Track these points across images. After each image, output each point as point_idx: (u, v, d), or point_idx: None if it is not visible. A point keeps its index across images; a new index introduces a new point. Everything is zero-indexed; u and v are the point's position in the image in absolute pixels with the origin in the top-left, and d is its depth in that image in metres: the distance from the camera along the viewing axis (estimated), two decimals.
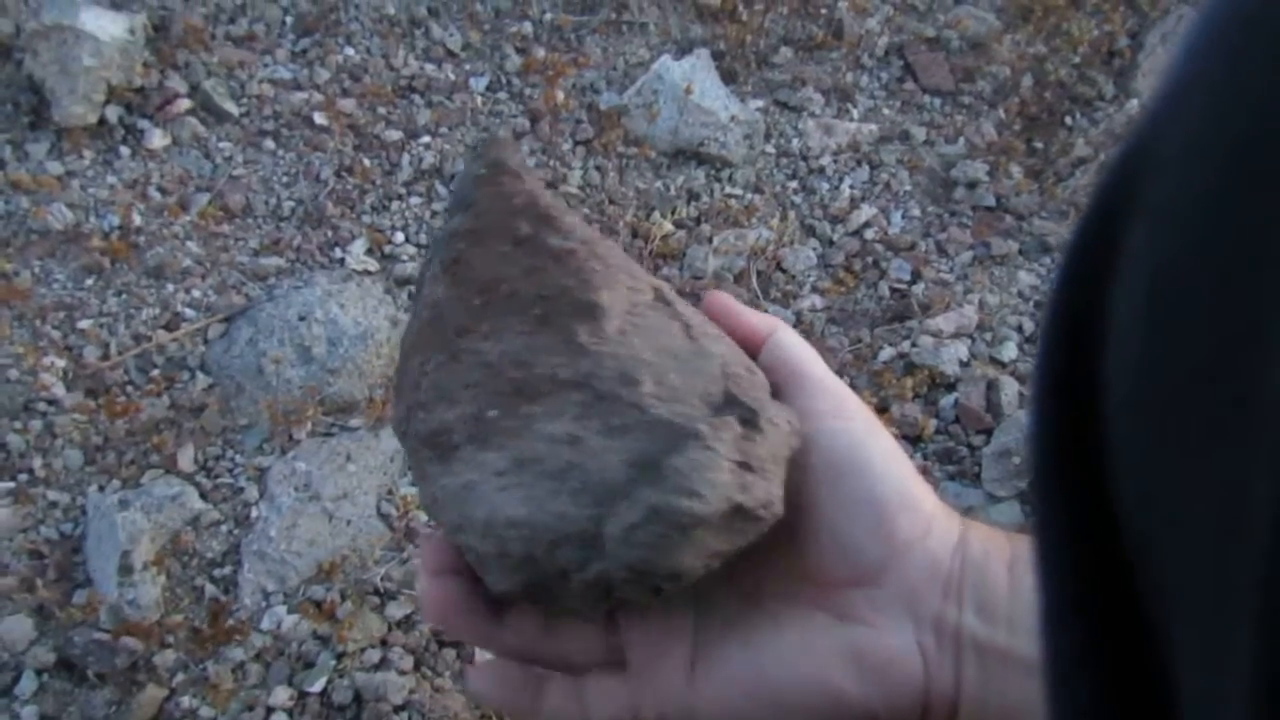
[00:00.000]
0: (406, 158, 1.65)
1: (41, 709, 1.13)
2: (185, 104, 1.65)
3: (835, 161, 1.68)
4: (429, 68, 1.78)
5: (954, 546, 0.41)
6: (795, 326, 1.45)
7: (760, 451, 0.38)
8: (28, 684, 1.14)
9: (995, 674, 0.40)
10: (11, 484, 1.28)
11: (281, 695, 1.13)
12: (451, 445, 0.38)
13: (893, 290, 1.48)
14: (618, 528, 0.35)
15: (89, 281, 1.47)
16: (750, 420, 0.39)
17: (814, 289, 1.51)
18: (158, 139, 1.63)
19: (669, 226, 1.58)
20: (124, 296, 1.46)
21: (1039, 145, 1.66)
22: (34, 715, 1.12)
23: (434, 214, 1.60)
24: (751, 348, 0.45)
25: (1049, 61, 1.76)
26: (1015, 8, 1.80)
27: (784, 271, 1.54)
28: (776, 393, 0.44)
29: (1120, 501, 0.20)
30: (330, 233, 1.56)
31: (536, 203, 0.42)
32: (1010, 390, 1.28)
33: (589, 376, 0.37)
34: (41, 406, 1.33)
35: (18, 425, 1.32)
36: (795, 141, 1.71)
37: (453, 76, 1.77)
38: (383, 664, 1.15)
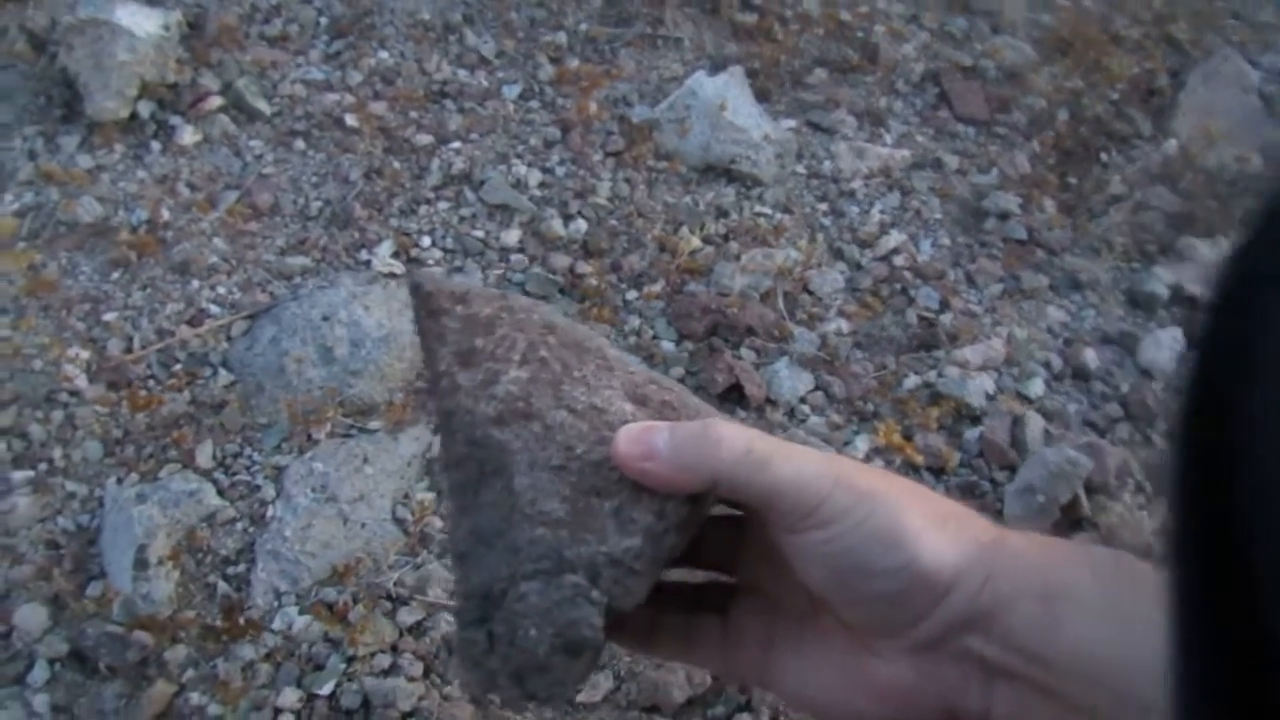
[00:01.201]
0: (436, 162, 1.66)
1: (53, 698, 1.12)
2: (217, 101, 1.66)
3: (866, 185, 1.67)
4: (461, 74, 1.78)
5: (978, 589, 0.41)
6: (821, 350, 1.44)
7: (503, 666, 0.43)
8: (40, 673, 1.14)
9: (1028, 705, 0.41)
10: (31, 473, 1.28)
11: (290, 697, 1.12)
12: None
13: (920, 318, 1.47)
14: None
15: (115, 275, 1.48)
16: (497, 638, 0.43)
17: (840, 312, 1.50)
18: (188, 136, 1.63)
19: (697, 242, 1.58)
20: (149, 291, 1.47)
21: (1073, 180, 1.65)
22: (45, 704, 1.12)
23: (461, 219, 1.60)
24: (697, 492, 0.45)
25: (1086, 96, 1.75)
26: (1054, 40, 1.79)
27: (810, 293, 1.53)
28: (756, 512, 0.45)
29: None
30: (357, 234, 1.56)
31: (428, 364, 0.47)
32: (1035, 426, 1.27)
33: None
34: (64, 397, 1.34)
35: (39, 415, 1.32)
36: (827, 163, 1.70)
37: (485, 83, 1.77)
38: (392, 670, 1.15)
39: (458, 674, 0.46)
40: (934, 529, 0.42)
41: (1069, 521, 1.17)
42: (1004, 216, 1.60)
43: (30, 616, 1.17)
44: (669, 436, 0.43)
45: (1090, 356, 1.38)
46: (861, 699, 0.44)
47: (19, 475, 1.28)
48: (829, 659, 0.45)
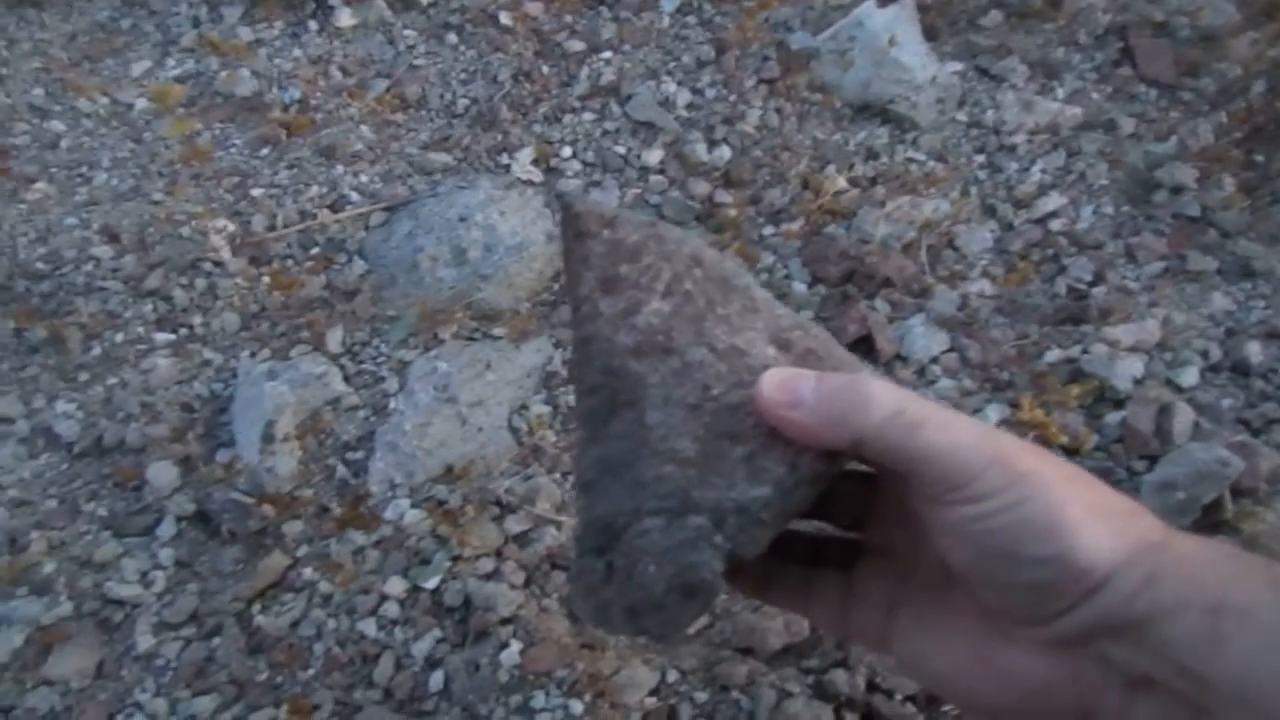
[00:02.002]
0: (585, 71, 1.62)
1: (177, 554, 1.18)
2: None
3: (1029, 141, 1.58)
4: None
5: (1136, 590, 0.38)
6: (960, 311, 1.38)
7: (618, 601, 0.44)
8: (168, 528, 1.19)
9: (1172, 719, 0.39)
10: (172, 336, 1.32)
11: (396, 586, 1.15)
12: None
13: (1070, 289, 1.40)
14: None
15: (264, 151, 1.50)
16: (614, 570, 0.43)
17: (985, 274, 1.44)
18: (346, 18, 1.63)
19: (842, 183, 1.52)
20: (295, 171, 1.49)
21: (1260, 159, 1.53)
22: (170, 558, 1.18)
23: (604, 133, 1.58)
24: (836, 450, 0.42)
25: None
26: (1262, 3, 1.64)
27: (956, 250, 1.47)
28: (903, 477, 0.42)
29: None
30: (500, 137, 1.55)
31: (570, 287, 0.46)
32: (1184, 418, 1.20)
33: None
34: (207, 267, 1.37)
35: (184, 281, 1.36)
36: (990, 113, 1.61)
37: None
38: (495, 574, 1.17)
39: (571, 599, 0.49)
40: (1095, 521, 0.39)
41: (1209, 524, 1.10)
42: (1177, 190, 1.49)
43: (162, 474, 1.22)
44: (815, 386, 0.41)
45: (1254, 350, 1.29)
46: (988, 682, 0.42)
47: (161, 337, 1.32)
48: (959, 636, 0.44)
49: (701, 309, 0.44)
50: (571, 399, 1.33)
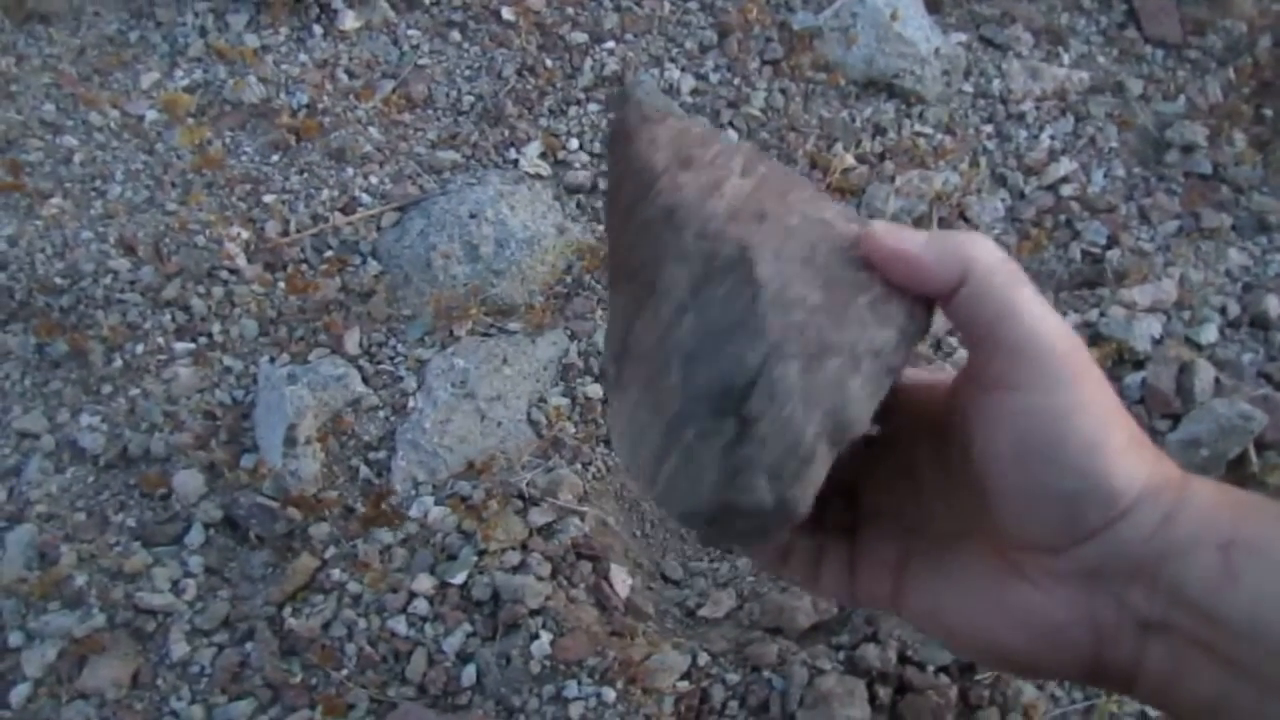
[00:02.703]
0: (589, 62, 1.62)
1: (206, 560, 1.19)
2: None
3: (1037, 109, 1.57)
4: None
5: (1154, 528, 0.38)
6: None
7: (759, 457, 0.39)
8: (196, 535, 1.21)
9: (1187, 663, 0.38)
10: (192, 345, 1.34)
11: (425, 583, 1.16)
12: (607, 386, 0.46)
13: (1085, 254, 1.39)
14: (653, 496, 0.42)
15: (275, 157, 1.51)
16: (754, 422, 0.38)
17: (999, 242, 1.43)
18: (350, 20, 1.64)
19: (850, 160, 1.52)
20: (306, 175, 1.50)
21: (1269, 113, 1.51)
22: (199, 565, 1.19)
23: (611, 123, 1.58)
24: (937, 295, 0.40)
25: None
26: None
27: (967, 221, 1.46)
28: (971, 349, 0.41)
29: None
30: (507, 132, 1.55)
31: (636, 168, 0.43)
32: (1205, 376, 1.19)
33: (649, 356, 0.41)
34: (224, 274, 1.38)
35: (201, 290, 1.37)
36: (996, 83, 1.60)
37: None
38: (521, 567, 1.17)
39: (673, 493, 0.41)
40: (1131, 450, 0.39)
41: (1235, 480, 1.10)
42: (1188, 149, 1.48)
43: (188, 481, 1.23)
44: (919, 233, 0.40)
45: (1272, 304, 1.28)
46: (1005, 628, 0.42)
47: (181, 346, 1.34)
48: (973, 583, 0.43)
49: (780, 188, 0.43)
50: (588, 390, 1.33)
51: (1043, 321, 0.39)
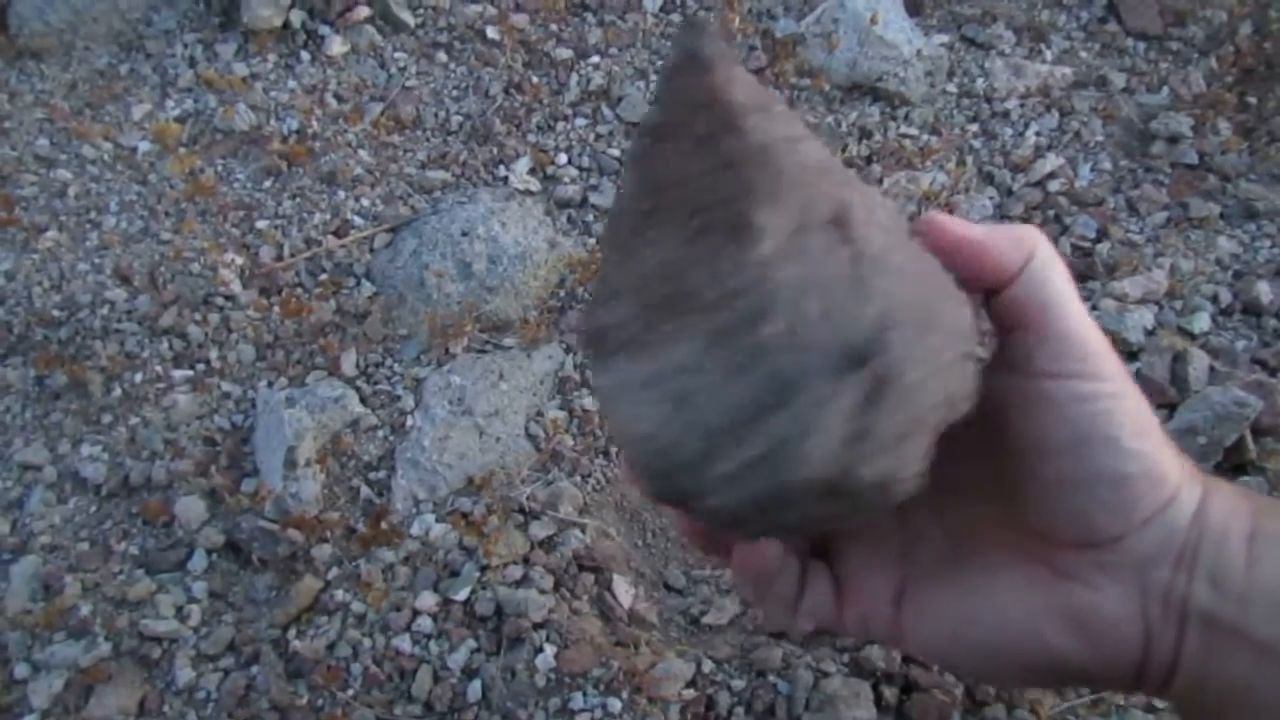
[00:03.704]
0: (575, 77, 1.64)
1: (210, 585, 1.20)
2: (365, 12, 1.67)
3: (1022, 106, 1.58)
4: None
5: (1193, 515, 0.39)
6: None
7: (884, 422, 0.35)
8: (199, 561, 1.21)
9: (1219, 649, 0.38)
10: (190, 372, 1.34)
11: (428, 600, 1.17)
12: (606, 349, 0.38)
13: (1075, 248, 1.39)
14: (720, 471, 0.35)
15: (267, 183, 1.52)
16: (881, 383, 0.34)
17: None
18: (337, 46, 1.65)
19: None
20: (298, 200, 1.51)
21: (1253, 101, 1.52)
22: (204, 590, 1.19)
23: (598, 137, 1.59)
24: (997, 282, 0.40)
25: (1273, 8, 1.60)
26: None
27: None
28: (1018, 338, 0.40)
29: None
30: (496, 150, 1.56)
31: (719, 99, 0.37)
32: (1199, 364, 1.19)
33: (724, 304, 0.35)
34: (220, 301, 1.39)
35: (197, 317, 1.38)
36: (980, 81, 1.61)
37: None
38: (524, 581, 1.18)
39: (761, 462, 0.34)
40: (1169, 446, 0.40)
41: (1232, 466, 1.10)
42: (1174, 139, 1.49)
43: (190, 508, 1.24)
44: (980, 225, 0.41)
45: (1264, 290, 1.29)
46: (1055, 634, 0.40)
47: (179, 373, 1.34)
48: (1004, 590, 0.41)
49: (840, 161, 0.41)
50: (585, 402, 1.33)
51: (1087, 317, 0.40)
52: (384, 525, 1.23)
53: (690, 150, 0.38)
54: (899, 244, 0.38)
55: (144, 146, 1.55)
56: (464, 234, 1.43)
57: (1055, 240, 1.42)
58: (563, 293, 1.44)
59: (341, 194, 1.51)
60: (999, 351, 0.41)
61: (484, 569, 1.19)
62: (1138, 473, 0.39)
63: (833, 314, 0.35)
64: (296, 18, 1.64)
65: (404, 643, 1.14)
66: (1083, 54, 1.64)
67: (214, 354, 1.36)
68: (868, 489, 0.36)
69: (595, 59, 1.65)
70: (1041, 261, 0.40)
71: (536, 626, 1.14)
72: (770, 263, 0.35)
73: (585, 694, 1.10)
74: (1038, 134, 1.55)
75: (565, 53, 1.65)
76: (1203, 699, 0.40)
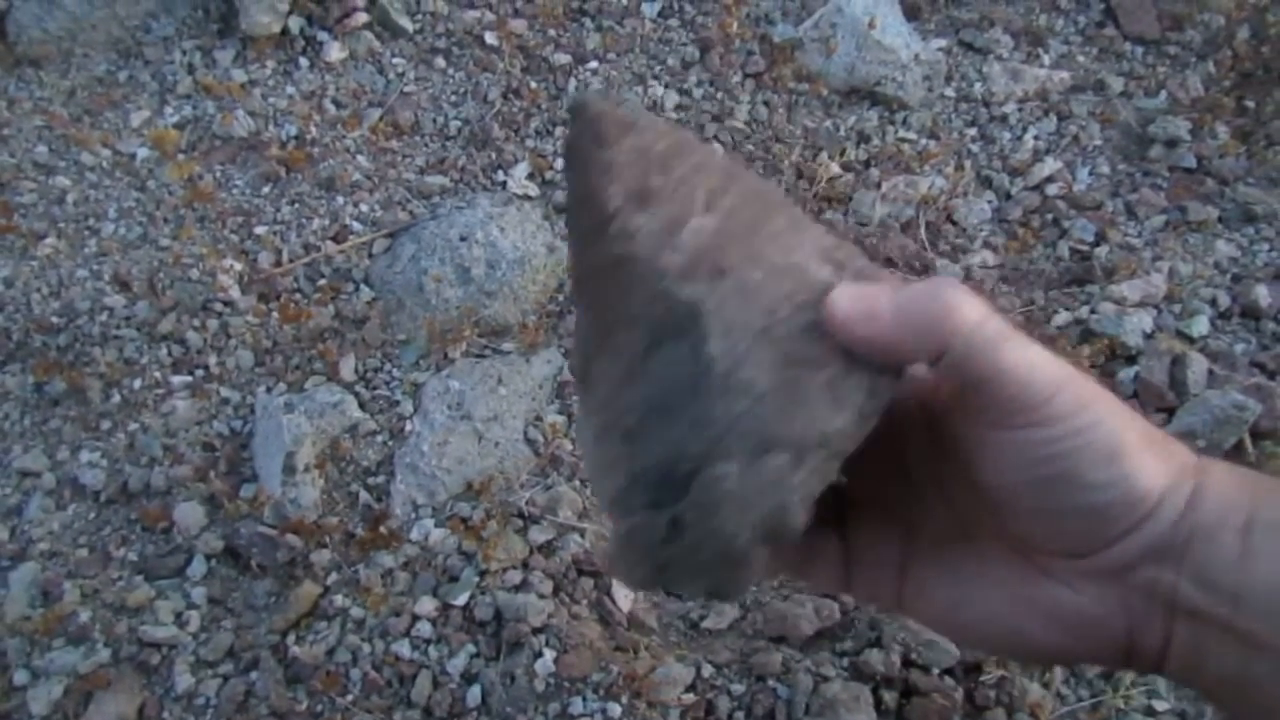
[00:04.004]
0: (573, 82, 1.64)
1: (209, 591, 1.20)
2: (363, 18, 1.68)
3: (1020, 110, 1.58)
4: None
5: (1179, 516, 0.38)
6: (964, 283, 1.38)
7: (687, 559, 0.38)
8: (198, 567, 1.21)
9: (1211, 644, 0.38)
10: (189, 378, 1.34)
11: (427, 605, 1.16)
12: (578, 383, 0.42)
13: (1073, 252, 1.39)
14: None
15: (266, 189, 1.52)
16: (679, 527, 0.37)
17: (986, 244, 1.44)
18: (335, 52, 1.66)
19: (836, 169, 1.53)
20: (297, 206, 1.51)
21: (1251, 104, 1.52)
22: (203, 596, 1.19)
23: None
24: (920, 362, 0.39)
25: (1271, 12, 1.60)
26: None
27: (955, 224, 1.47)
28: (968, 396, 0.39)
29: None
30: (494, 155, 1.57)
31: (590, 200, 0.38)
32: (1198, 368, 1.19)
33: (604, 405, 0.40)
34: (218, 307, 1.39)
35: (196, 323, 1.38)
36: (978, 86, 1.61)
37: (624, 1, 1.73)
38: (523, 585, 1.18)
39: (616, 564, 0.39)
40: (1148, 448, 0.38)
41: None
42: (1171, 143, 1.49)
43: (189, 514, 1.24)
44: (894, 298, 0.38)
45: (1262, 294, 1.29)
46: (1035, 626, 0.41)
47: (178, 379, 1.34)
48: (994, 583, 0.42)
49: (749, 224, 0.39)
50: None
51: (1034, 369, 0.38)
52: (383, 530, 1.22)
53: (580, 244, 0.39)
54: (764, 349, 0.37)
55: (143, 153, 1.55)
56: (462, 239, 1.44)
57: (1054, 244, 1.42)
58: (561, 297, 1.44)
59: (340, 199, 1.51)
60: (958, 399, 0.41)
61: (483, 574, 1.19)
62: (1105, 502, 0.38)
63: (663, 444, 0.37)
64: (295, 24, 1.64)
65: (403, 648, 1.14)
66: (1080, 58, 1.64)
67: (213, 360, 1.36)
68: (706, 595, 0.39)
69: (594, 64, 1.65)
70: (964, 343, 0.37)
71: (536, 631, 1.14)
72: (622, 386, 0.38)
73: (585, 699, 1.10)
74: (1036, 138, 1.55)
75: (564, 58, 1.66)
76: (1199, 683, 0.40)
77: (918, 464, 0.45)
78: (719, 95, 1.61)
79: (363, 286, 1.44)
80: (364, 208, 1.50)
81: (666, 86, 1.62)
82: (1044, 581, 0.41)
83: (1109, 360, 1.26)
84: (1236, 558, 0.37)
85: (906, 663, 1.10)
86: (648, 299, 0.38)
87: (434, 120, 1.61)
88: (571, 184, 0.40)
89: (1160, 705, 1.06)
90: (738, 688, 1.11)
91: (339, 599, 1.18)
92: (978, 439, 0.40)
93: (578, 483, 1.28)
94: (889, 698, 1.08)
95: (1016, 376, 0.37)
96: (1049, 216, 1.45)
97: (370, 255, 1.47)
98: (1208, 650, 0.39)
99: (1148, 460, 0.38)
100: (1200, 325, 1.26)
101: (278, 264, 1.44)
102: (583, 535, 1.22)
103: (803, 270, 0.38)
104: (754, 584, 0.39)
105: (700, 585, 0.38)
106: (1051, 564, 0.41)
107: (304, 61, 1.64)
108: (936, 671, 1.09)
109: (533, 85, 1.63)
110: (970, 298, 0.38)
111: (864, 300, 0.38)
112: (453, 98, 1.64)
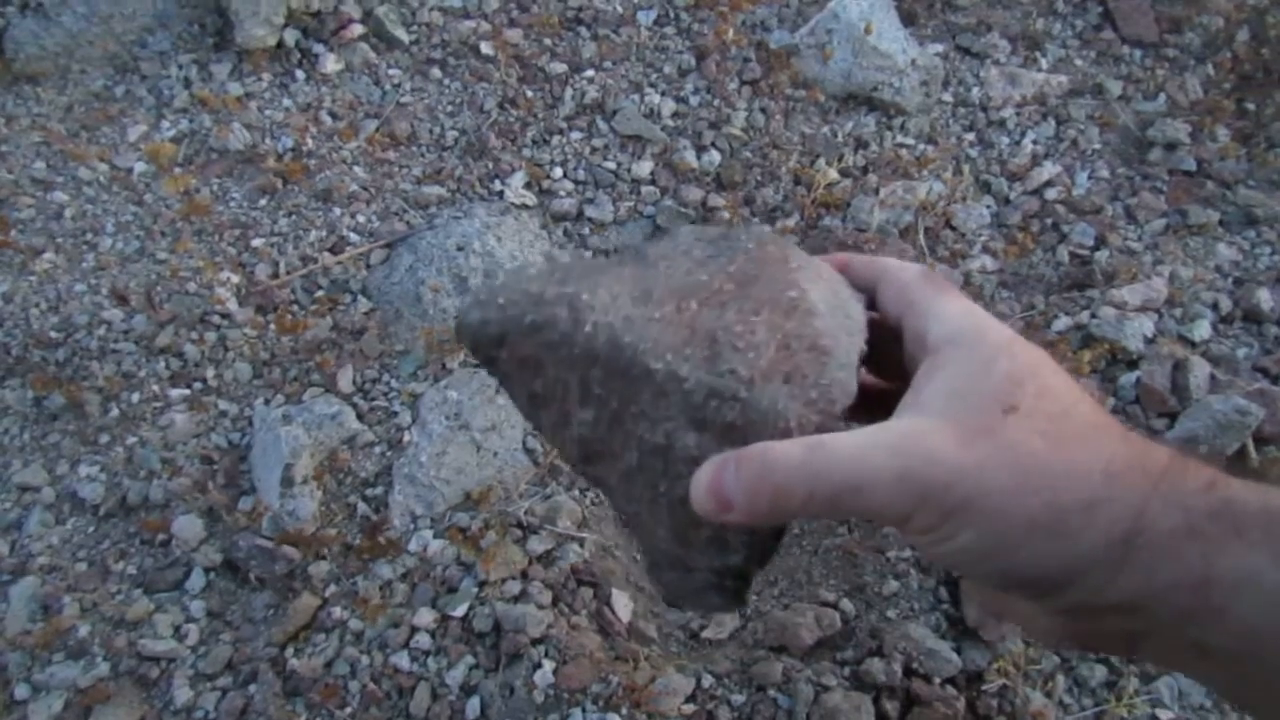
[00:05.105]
0: (569, 91, 1.64)
1: (208, 604, 1.19)
2: (358, 30, 1.68)
3: (1018, 114, 1.57)
4: None
5: (1109, 579, 0.37)
6: (964, 289, 1.37)
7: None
8: (197, 580, 1.21)
9: (1184, 664, 0.39)
10: (187, 391, 1.34)
11: (426, 616, 1.16)
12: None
13: (1073, 256, 1.39)
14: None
15: (262, 201, 1.52)
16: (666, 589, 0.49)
17: (985, 249, 1.43)
18: (331, 64, 1.66)
19: (834, 175, 1.52)
20: (294, 218, 1.51)
21: (1251, 107, 1.52)
22: (201, 609, 1.19)
23: (593, 150, 1.59)
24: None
25: (1271, 14, 1.59)
26: None
27: (954, 229, 1.46)
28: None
29: None
30: (491, 164, 1.56)
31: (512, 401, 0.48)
32: (1200, 373, 1.19)
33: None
34: (216, 319, 1.39)
35: (194, 336, 1.38)
36: (975, 91, 1.61)
37: (620, 9, 1.73)
38: (522, 596, 1.17)
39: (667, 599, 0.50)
40: (1038, 535, 0.37)
41: (1235, 475, 1.09)
42: (1171, 146, 1.48)
43: (187, 526, 1.24)
44: (736, 481, 0.41)
45: (1264, 297, 1.28)
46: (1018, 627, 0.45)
47: (176, 392, 1.34)
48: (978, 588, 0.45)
49: (617, 410, 0.43)
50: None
51: (875, 486, 0.38)
52: (381, 541, 1.22)
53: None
54: (657, 513, 0.45)
55: (140, 167, 1.55)
56: (460, 249, 1.43)
57: (1053, 249, 1.41)
58: None
59: (337, 211, 1.51)
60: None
61: (482, 584, 1.18)
62: (1009, 586, 0.39)
63: (641, 535, 0.47)
64: (291, 37, 1.64)
65: (402, 660, 1.14)
66: (1078, 62, 1.64)
67: (211, 372, 1.36)
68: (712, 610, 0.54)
69: (589, 73, 1.65)
70: (801, 504, 0.40)
71: (535, 642, 1.14)
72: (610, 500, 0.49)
73: (584, 710, 1.10)
74: (1034, 142, 1.54)
75: (559, 67, 1.65)
76: (1177, 669, 0.42)
77: None
78: (715, 102, 1.61)
79: (360, 297, 1.43)
80: (361, 219, 1.50)
81: (663, 94, 1.62)
82: (1017, 601, 0.43)
83: (1111, 365, 1.25)
84: (1201, 614, 0.36)
85: (908, 672, 1.09)
86: (580, 463, 0.46)
87: (430, 131, 1.61)
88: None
89: (1164, 714, 1.05)
90: (738, 698, 1.10)
91: (337, 611, 1.18)
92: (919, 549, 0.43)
93: (576, 492, 1.28)
94: (890, 707, 1.07)
95: (863, 510, 0.39)
96: (1048, 221, 1.45)
97: (368, 266, 1.46)
98: (1184, 666, 0.39)
99: (1038, 549, 0.37)
100: (1202, 329, 1.26)
101: (275, 276, 1.44)
102: (582, 545, 1.22)
103: (669, 448, 0.43)
104: (743, 604, 0.48)
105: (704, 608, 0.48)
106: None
107: (300, 74, 1.65)
108: (938, 681, 1.08)
109: (529, 94, 1.63)
110: (790, 449, 0.40)
111: (714, 491, 0.42)
112: (449, 108, 1.64)
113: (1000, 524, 0.37)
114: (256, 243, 1.47)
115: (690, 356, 0.43)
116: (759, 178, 1.53)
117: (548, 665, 1.12)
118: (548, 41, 1.68)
